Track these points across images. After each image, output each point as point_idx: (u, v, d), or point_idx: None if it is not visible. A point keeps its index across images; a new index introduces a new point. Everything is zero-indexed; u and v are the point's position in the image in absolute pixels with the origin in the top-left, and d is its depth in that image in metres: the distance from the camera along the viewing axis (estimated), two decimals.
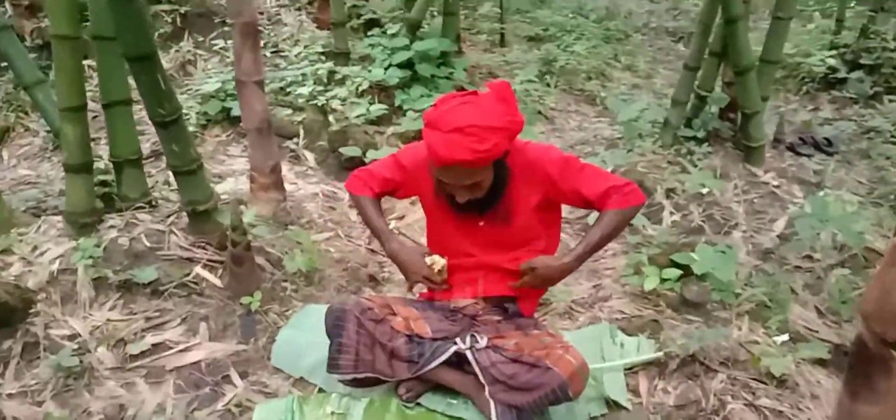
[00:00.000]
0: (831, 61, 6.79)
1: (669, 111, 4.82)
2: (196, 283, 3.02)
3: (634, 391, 2.70)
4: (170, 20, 6.41)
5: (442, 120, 2.10)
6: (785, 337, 2.97)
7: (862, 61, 6.80)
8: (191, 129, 5.22)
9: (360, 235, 3.85)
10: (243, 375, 2.73)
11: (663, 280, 3.21)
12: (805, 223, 3.56)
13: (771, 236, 3.96)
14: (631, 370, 2.80)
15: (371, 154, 4.29)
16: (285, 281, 3.14)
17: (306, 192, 4.11)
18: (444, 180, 2.22)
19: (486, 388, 2.41)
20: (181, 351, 2.79)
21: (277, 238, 3.36)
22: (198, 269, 3.07)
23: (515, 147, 2.32)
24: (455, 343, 2.46)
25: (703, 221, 4.03)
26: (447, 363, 2.46)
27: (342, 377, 2.47)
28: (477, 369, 2.42)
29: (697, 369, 2.74)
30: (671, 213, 4.11)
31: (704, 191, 4.19)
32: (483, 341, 2.44)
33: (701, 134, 4.77)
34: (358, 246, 3.71)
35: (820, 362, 2.80)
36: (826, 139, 5.73)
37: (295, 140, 4.69)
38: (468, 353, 2.43)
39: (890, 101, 6.40)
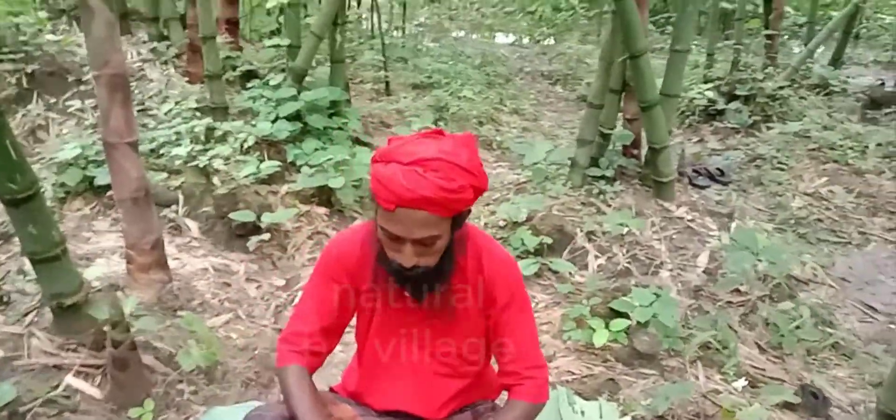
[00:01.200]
0: (709, 94, 7.08)
1: (577, 151, 4.72)
2: (68, 398, 2.43)
3: None
4: (14, 81, 5.60)
5: (401, 151, 1.75)
6: (743, 381, 2.83)
7: (737, 92, 7.16)
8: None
9: (263, 313, 3.36)
10: None
11: (612, 332, 2.99)
12: (736, 257, 3.50)
13: (697, 272, 3.89)
14: None
15: (267, 218, 3.82)
16: (181, 382, 2.61)
17: (193, 268, 3.56)
18: (391, 231, 1.82)
19: None
20: None
21: (166, 329, 2.82)
22: (69, 379, 2.48)
23: (474, 232, 1.98)
24: None
25: (628, 263, 3.89)
26: None
27: None
28: None
29: None
30: (596, 257, 3.94)
31: (625, 231, 4.07)
32: None
33: (609, 173, 4.70)
34: (263, 327, 3.23)
35: (788, 406, 2.66)
36: (718, 169, 5.90)
37: (173, 208, 4.12)
38: None
39: (768, 128, 6.74)
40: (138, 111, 5.59)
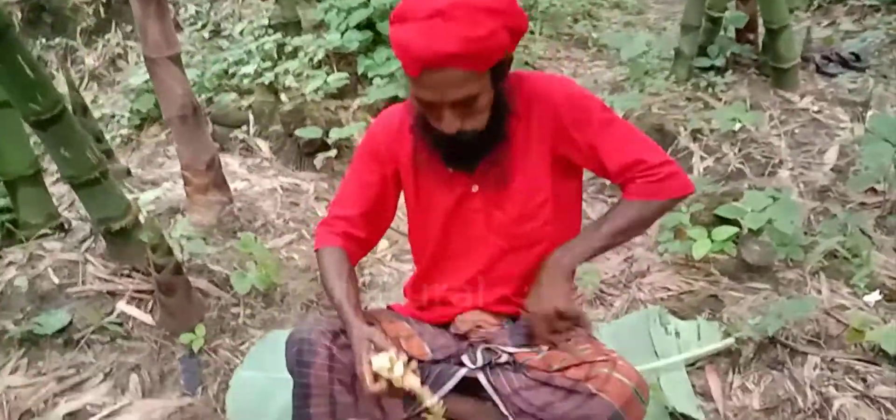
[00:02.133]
0: None
1: (680, 40, 4.23)
2: (120, 324, 2.40)
3: (704, 394, 2.14)
4: (92, 11, 5.71)
5: (415, 5, 1.51)
6: (877, 294, 2.42)
7: None
8: (124, 131, 4.59)
9: None
10: None
11: (715, 242, 2.63)
12: (873, 150, 2.99)
13: (824, 170, 3.40)
14: (694, 366, 2.23)
15: (334, 133, 3.66)
16: (236, 305, 2.53)
17: (261, 189, 3.48)
18: (424, 98, 1.58)
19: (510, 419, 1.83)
20: (107, 416, 2.18)
21: (222, 252, 2.74)
22: (121, 305, 2.44)
23: (518, 76, 1.71)
24: (462, 363, 1.86)
25: (741, 163, 3.46)
26: (455, 389, 1.86)
27: None
28: (496, 398, 1.83)
29: (781, 354, 2.17)
30: (702, 158, 3.53)
31: (737, 127, 3.61)
32: (501, 356, 1.84)
33: (719, 62, 4.18)
34: None
35: None
36: (853, 54, 5.16)
37: (243, 128, 4.05)
38: (480, 376, 1.83)
39: None
40: (212, 33, 5.57)
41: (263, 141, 4.02)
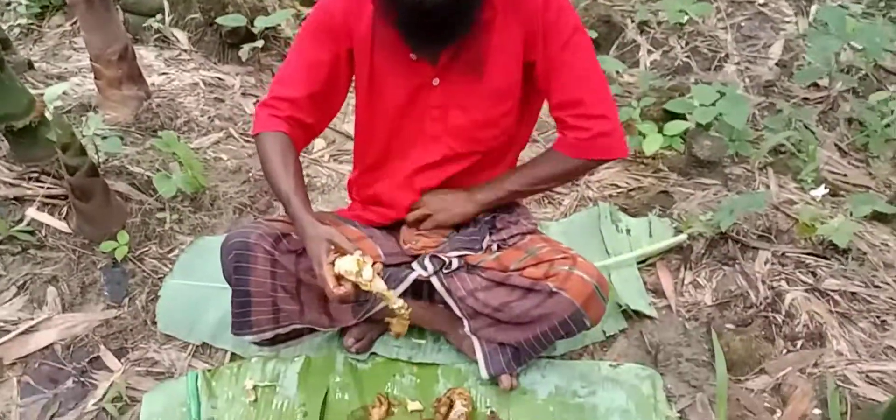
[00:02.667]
0: None
1: None
2: (32, 233, 2.22)
3: (656, 291, 2.16)
4: None
5: None
6: (822, 189, 2.47)
7: None
8: (22, 20, 4.18)
9: None
10: (120, 353, 2.03)
11: (667, 138, 2.61)
12: (818, 43, 3.00)
13: (769, 65, 3.42)
14: (645, 262, 2.24)
15: (260, 22, 3.42)
16: (162, 210, 2.37)
17: (181, 84, 3.25)
18: None
19: (465, 322, 1.80)
20: (24, 333, 2.04)
21: (142, 152, 2.55)
22: (32, 212, 2.25)
23: None
24: (413, 267, 1.80)
25: (687, 57, 3.44)
26: (406, 293, 1.81)
27: (257, 338, 1.78)
28: (449, 300, 1.79)
29: (732, 249, 2.20)
30: (649, 52, 3.49)
31: (685, 20, 3.57)
32: (453, 262, 1.79)
33: None
34: None
35: (879, 217, 2.30)
36: None
37: (158, 17, 3.75)
38: (434, 280, 1.78)
39: None
40: None
41: (181, 31, 3.73)
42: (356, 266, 1.48)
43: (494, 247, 1.82)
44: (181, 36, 3.71)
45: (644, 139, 2.60)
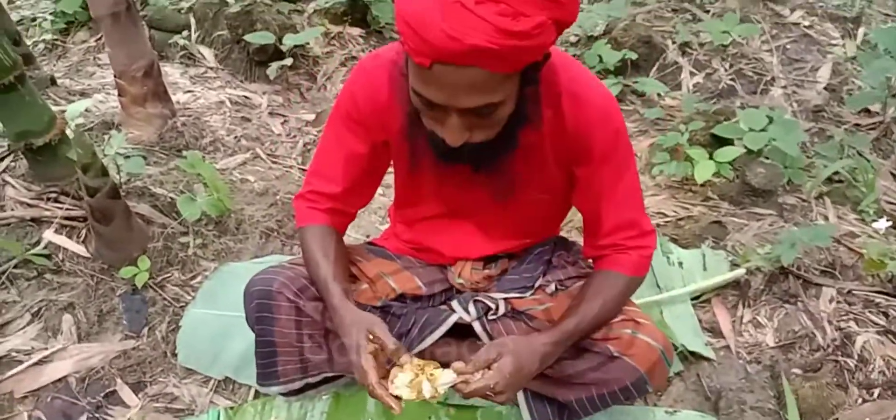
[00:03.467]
0: None
1: None
2: (49, 257, 2.11)
3: (712, 329, 1.99)
4: None
5: None
6: (885, 221, 2.29)
7: None
8: (47, 36, 4.13)
9: (288, 152, 2.95)
10: (138, 387, 1.90)
11: (719, 163, 2.46)
12: (874, 65, 2.84)
13: (817, 89, 3.26)
14: (698, 299, 2.08)
15: (289, 40, 3.32)
16: (185, 234, 2.25)
17: (207, 102, 3.15)
18: (429, 98, 1.25)
19: None
20: (37, 364, 1.92)
21: (166, 173, 2.44)
22: (49, 235, 2.14)
23: (553, 66, 1.35)
24: (454, 308, 1.65)
25: (732, 80, 3.28)
26: (446, 334, 1.66)
27: (284, 388, 1.65)
28: None
29: (794, 286, 2.04)
30: (691, 74, 3.34)
31: (728, 41, 3.42)
32: (500, 306, 1.64)
33: None
34: (288, 168, 2.82)
35: None
36: None
37: (184, 34, 3.67)
38: (476, 326, 1.62)
39: None
40: None
41: (208, 48, 3.65)
42: (412, 384, 1.32)
43: (550, 288, 1.66)
44: (207, 53, 3.62)
45: (695, 165, 2.45)
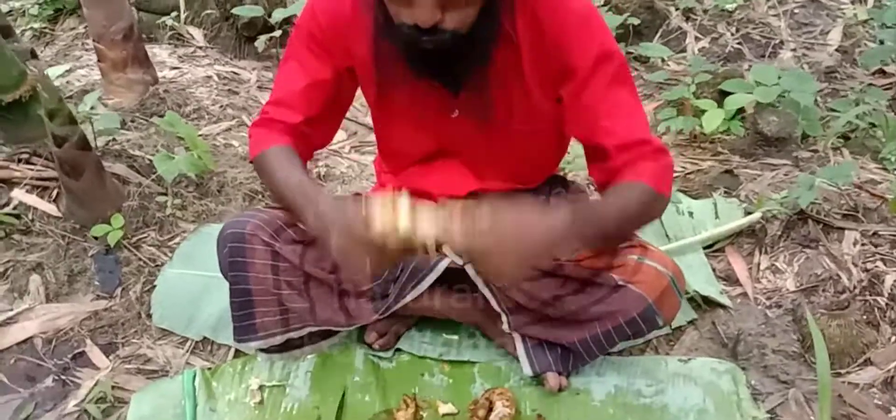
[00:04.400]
0: None
1: None
2: (18, 217, 1.98)
3: (727, 278, 1.84)
4: None
5: None
6: None
7: None
8: (36, 24, 4.03)
9: None
10: (109, 349, 1.76)
11: (728, 113, 2.31)
12: (891, 18, 2.69)
13: (829, 51, 3.12)
14: (711, 248, 1.93)
15: (279, 13, 3.20)
16: (163, 194, 2.12)
17: (194, 76, 3.03)
18: None
19: (505, 318, 1.50)
20: (3, 325, 1.78)
21: (145, 137, 2.31)
22: (19, 194, 2.01)
23: None
24: (444, 253, 1.50)
25: (739, 44, 3.14)
26: (436, 283, 1.52)
27: (264, 343, 1.50)
28: (487, 292, 1.49)
29: (814, 231, 1.88)
30: (697, 39, 3.21)
31: (732, 6, 3.29)
32: None
33: None
34: None
35: None
36: None
37: (173, 14, 3.55)
38: (469, 268, 1.48)
39: None
40: None
41: (196, 28, 3.53)
42: (390, 206, 1.10)
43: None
44: (196, 33, 3.51)
45: (702, 116, 2.30)
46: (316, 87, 1.37)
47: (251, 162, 1.42)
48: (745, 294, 1.76)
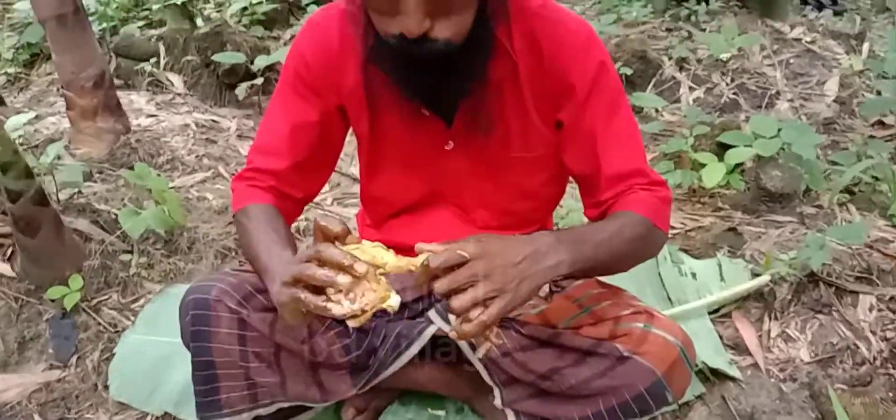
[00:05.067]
0: None
1: None
2: None
3: (735, 346, 1.70)
4: None
5: None
6: None
7: None
8: (10, 69, 3.91)
9: None
10: None
11: (729, 167, 2.20)
12: (892, 67, 2.62)
13: (827, 102, 3.05)
14: (717, 313, 1.79)
15: (261, 61, 3.08)
16: (128, 252, 1.96)
17: (170, 125, 2.89)
18: None
19: (497, 391, 1.35)
20: None
21: (113, 190, 2.17)
22: None
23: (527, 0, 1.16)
24: (431, 318, 1.36)
25: (735, 94, 3.06)
26: (422, 352, 1.37)
27: None
28: (478, 364, 1.34)
29: (825, 294, 1.75)
30: (691, 89, 3.12)
31: (726, 56, 3.21)
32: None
33: None
34: None
35: None
36: None
37: (152, 61, 3.44)
38: (454, 334, 1.32)
39: None
40: None
41: (176, 75, 3.41)
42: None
43: (543, 290, 1.39)
44: (176, 79, 3.39)
45: (702, 170, 2.19)
46: (302, 130, 1.26)
47: (233, 217, 1.29)
48: (756, 365, 1.62)
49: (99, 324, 1.79)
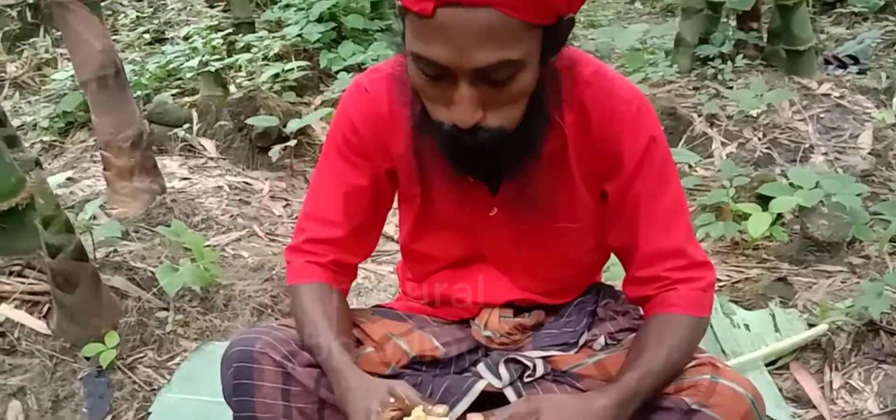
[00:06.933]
0: None
1: (681, 25, 3.82)
2: (3, 335, 1.77)
3: (796, 399, 1.60)
4: (17, 14, 5.11)
5: None
6: None
7: None
8: (46, 137, 3.96)
9: (289, 231, 2.65)
10: None
11: (774, 219, 2.13)
12: None
13: (862, 155, 2.98)
14: (773, 364, 1.70)
15: (293, 124, 3.08)
16: (164, 309, 1.92)
17: (203, 187, 2.88)
18: (432, 58, 0.99)
19: None
20: None
21: (149, 249, 2.14)
22: (6, 310, 1.81)
23: (573, 60, 1.10)
24: (480, 373, 1.28)
25: (768, 149, 3.01)
26: (472, 407, 1.29)
27: None
28: None
29: (887, 343, 1.67)
30: (723, 144, 3.07)
31: (757, 112, 3.17)
32: (538, 366, 1.27)
33: (725, 49, 3.77)
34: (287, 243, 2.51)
35: None
36: (851, 57, 4.86)
37: (185, 127, 3.46)
38: (509, 392, 1.25)
39: None
40: (154, 39, 5.01)
41: (209, 140, 3.42)
42: None
43: (599, 342, 1.31)
44: (208, 144, 3.40)
45: (746, 222, 2.12)
46: (355, 195, 1.23)
47: (287, 289, 1.26)
48: (821, 418, 1.52)
49: (134, 382, 1.73)
